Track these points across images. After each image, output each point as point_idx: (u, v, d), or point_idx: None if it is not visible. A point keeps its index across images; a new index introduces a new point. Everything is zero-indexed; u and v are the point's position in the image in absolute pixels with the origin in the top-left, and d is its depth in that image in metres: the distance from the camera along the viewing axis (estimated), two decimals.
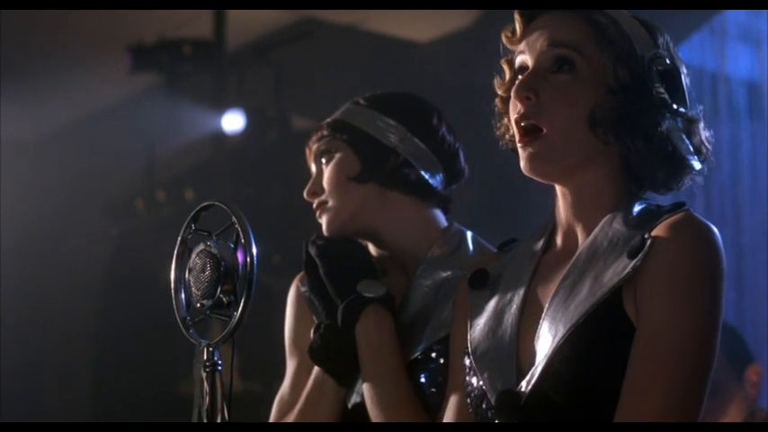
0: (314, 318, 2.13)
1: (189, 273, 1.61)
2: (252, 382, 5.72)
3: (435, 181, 2.15)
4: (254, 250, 1.56)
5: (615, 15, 1.73)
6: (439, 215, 2.17)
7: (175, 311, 1.63)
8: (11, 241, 6.92)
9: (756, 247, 5.24)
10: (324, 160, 2.16)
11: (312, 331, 2.10)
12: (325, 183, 2.14)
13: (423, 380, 2.04)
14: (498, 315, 1.73)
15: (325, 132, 2.16)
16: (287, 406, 2.17)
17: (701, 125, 1.75)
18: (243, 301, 1.55)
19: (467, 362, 1.74)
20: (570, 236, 1.73)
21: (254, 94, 5.91)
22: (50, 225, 7.12)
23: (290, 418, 2.14)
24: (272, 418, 2.19)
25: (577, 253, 1.69)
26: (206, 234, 1.61)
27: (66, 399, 7.10)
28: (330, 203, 2.14)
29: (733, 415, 3.31)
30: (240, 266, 1.56)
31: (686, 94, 1.73)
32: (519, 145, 1.71)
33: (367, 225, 2.14)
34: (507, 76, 1.79)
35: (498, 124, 1.81)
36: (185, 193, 5.98)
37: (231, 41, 5.90)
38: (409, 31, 5.97)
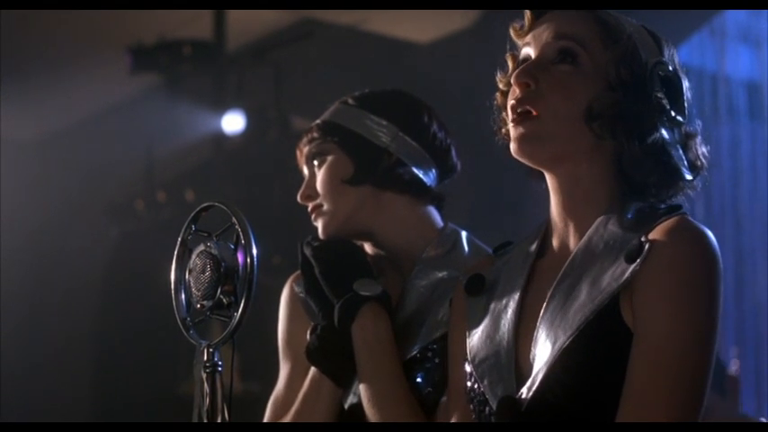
0: (309, 319, 2.13)
1: (189, 273, 1.61)
2: (252, 383, 5.72)
3: (428, 178, 2.14)
4: (255, 251, 1.55)
5: (623, 20, 1.73)
6: (433, 213, 2.16)
7: (175, 312, 1.63)
8: (11, 242, 6.93)
9: (756, 247, 5.25)
10: (316, 163, 2.15)
11: (309, 332, 2.09)
12: (319, 186, 2.13)
13: (419, 379, 2.04)
14: (495, 320, 1.73)
15: (315, 134, 2.15)
16: (281, 407, 2.16)
17: (698, 140, 1.74)
18: (243, 301, 1.55)
19: (467, 368, 1.74)
20: (564, 237, 1.73)
21: (254, 95, 5.92)
22: (51, 226, 7.13)
23: (287, 419, 2.12)
24: (266, 419, 2.18)
25: (572, 255, 1.68)
26: (206, 235, 1.61)
27: (66, 399, 7.11)
28: (325, 207, 2.13)
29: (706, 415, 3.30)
30: (240, 267, 1.56)
31: (686, 106, 1.73)
32: (511, 125, 1.70)
33: (363, 227, 2.13)
34: (510, 71, 1.79)
35: (496, 118, 1.81)
36: (185, 193, 5.99)
37: (231, 42, 5.90)
38: (409, 31, 5.98)
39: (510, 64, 1.79)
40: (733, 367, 3.51)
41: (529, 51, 1.73)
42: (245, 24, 5.89)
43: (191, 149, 6.19)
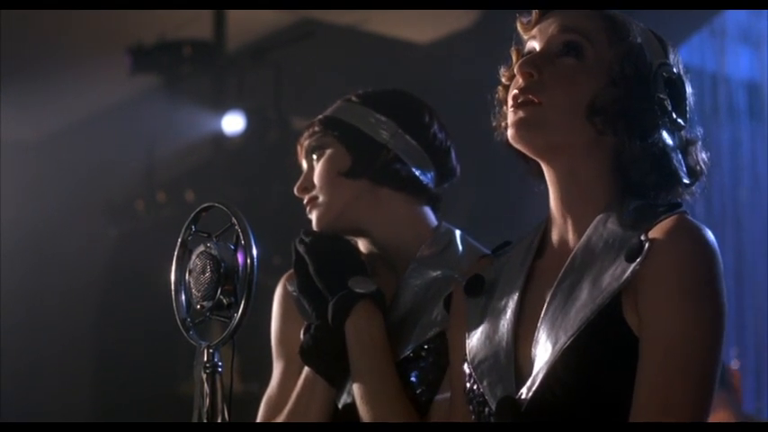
0: (302, 318, 2.13)
1: (189, 274, 1.61)
2: (252, 384, 5.72)
3: (426, 178, 2.14)
4: (255, 251, 1.55)
5: (631, 20, 1.73)
6: (429, 213, 2.16)
7: (175, 313, 1.63)
8: (11, 242, 6.93)
9: (756, 247, 5.25)
10: (315, 156, 2.15)
11: (302, 332, 2.09)
12: (316, 178, 2.14)
13: (413, 378, 2.04)
14: (494, 321, 1.72)
15: (316, 129, 2.16)
16: (275, 407, 2.16)
17: (699, 146, 1.74)
18: (243, 302, 1.55)
19: (466, 369, 1.74)
20: (563, 235, 1.72)
21: (253, 96, 5.92)
22: (50, 226, 7.12)
23: (280, 419, 2.12)
24: (259, 419, 2.18)
25: (572, 254, 1.68)
26: (206, 235, 1.61)
27: (66, 399, 7.11)
28: (320, 199, 2.13)
29: (723, 418, 3.32)
30: (240, 268, 1.56)
31: (688, 111, 1.73)
32: (510, 110, 1.69)
33: (357, 221, 2.13)
34: (514, 64, 1.78)
35: (497, 113, 1.80)
36: (185, 194, 5.99)
37: (231, 43, 5.90)
38: (409, 31, 5.98)
39: (514, 58, 1.79)
40: (734, 366, 3.53)
41: (534, 44, 1.73)
42: (245, 24, 5.89)
43: (191, 150, 6.19)
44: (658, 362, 1.56)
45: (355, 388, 2.03)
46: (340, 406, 2.08)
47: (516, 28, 1.79)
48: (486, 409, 1.67)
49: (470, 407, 1.72)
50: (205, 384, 1.56)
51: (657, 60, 1.71)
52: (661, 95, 1.69)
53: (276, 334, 2.22)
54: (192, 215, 1.64)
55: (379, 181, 2.12)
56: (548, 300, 1.66)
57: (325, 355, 2.05)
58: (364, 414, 2.01)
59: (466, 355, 1.74)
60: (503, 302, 1.73)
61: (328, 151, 2.14)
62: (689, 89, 1.74)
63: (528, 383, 1.62)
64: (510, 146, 1.73)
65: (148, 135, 6.40)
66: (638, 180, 1.70)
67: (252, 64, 5.89)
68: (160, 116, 6.12)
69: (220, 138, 5.92)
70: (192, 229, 1.64)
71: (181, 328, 1.62)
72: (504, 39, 1.80)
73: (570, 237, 1.71)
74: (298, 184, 2.17)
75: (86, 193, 6.81)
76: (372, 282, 2.06)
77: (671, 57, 1.74)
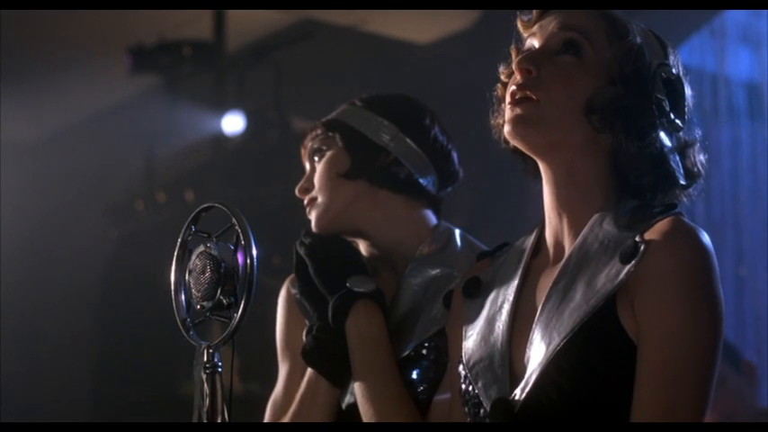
0: (305, 319, 2.14)
1: (189, 274, 1.61)
2: (252, 384, 5.72)
3: (427, 182, 2.15)
4: (255, 252, 1.55)
5: (631, 20, 1.73)
6: (429, 216, 2.17)
7: (175, 313, 1.63)
8: (11, 242, 6.93)
9: (756, 247, 5.25)
10: (316, 158, 2.17)
11: (304, 333, 2.10)
12: (316, 179, 2.16)
13: (414, 377, 2.05)
14: (490, 322, 1.72)
15: (318, 131, 2.17)
16: (280, 408, 2.17)
17: (697, 148, 1.74)
18: (243, 302, 1.55)
19: (461, 371, 1.74)
20: (559, 235, 1.72)
21: (253, 96, 5.92)
22: (50, 226, 7.12)
23: (285, 420, 2.14)
24: (265, 421, 2.19)
25: (567, 255, 1.68)
26: (206, 236, 1.61)
27: (66, 400, 7.10)
28: (319, 200, 2.15)
29: (730, 401, 3.34)
30: (240, 268, 1.56)
31: (686, 112, 1.73)
32: (507, 107, 1.69)
33: (356, 222, 2.14)
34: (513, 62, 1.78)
35: (496, 112, 1.80)
36: (185, 194, 5.99)
37: (231, 43, 5.90)
38: (409, 32, 5.98)
39: (513, 55, 1.79)
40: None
41: (533, 42, 1.73)
42: (245, 25, 5.89)
43: (191, 150, 6.19)
44: (658, 364, 1.56)
45: (357, 387, 2.03)
46: (344, 406, 2.09)
47: (516, 26, 1.79)
48: (481, 411, 1.67)
49: (465, 408, 1.72)
50: (205, 384, 1.56)
51: (657, 61, 1.71)
52: (659, 96, 1.69)
53: (281, 336, 2.23)
54: (192, 215, 1.64)
55: (377, 183, 2.13)
56: (543, 300, 1.66)
57: (326, 355, 2.06)
58: (366, 413, 2.01)
59: (462, 356, 1.74)
60: (498, 304, 1.73)
61: (329, 153, 2.15)
62: (688, 90, 1.74)
63: (521, 385, 1.62)
64: (507, 143, 1.73)
65: (148, 135, 6.40)
66: (634, 180, 1.69)
67: (252, 64, 5.89)
68: (160, 116, 6.12)
69: (220, 138, 5.92)
70: (191, 229, 1.64)
71: (181, 328, 1.62)
72: (505, 39, 1.81)
73: (566, 237, 1.71)
74: (299, 185, 2.18)
75: (86, 193, 6.81)
76: (372, 281, 2.07)
77: (671, 58, 1.74)
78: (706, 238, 1.62)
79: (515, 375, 1.65)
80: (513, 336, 1.68)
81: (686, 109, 1.73)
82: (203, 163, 6.18)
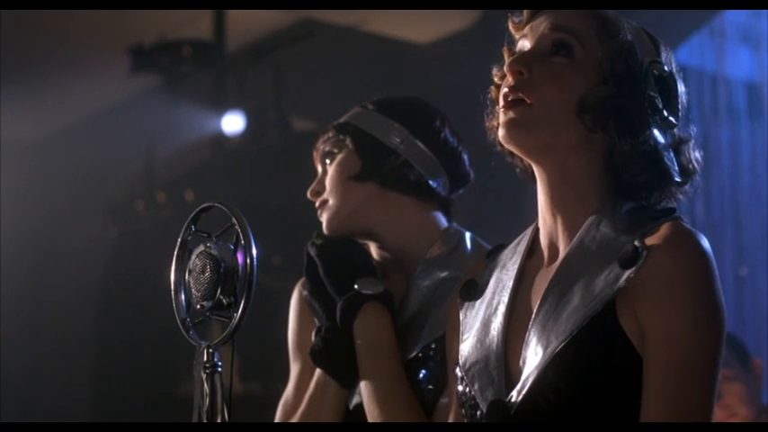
0: (316, 321, 2.15)
1: (189, 274, 1.61)
2: (252, 384, 5.72)
3: (437, 184, 2.16)
4: (254, 251, 1.55)
5: (622, 19, 1.73)
6: (440, 218, 2.18)
7: (175, 313, 1.63)
8: (11, 242, 6.93)
9: (756, 247, 5.25)
10: (328, 161, 2.19)
11: (313, 334, 2.11)
12: (327, 182, 2.17)
13: (421, 378, 2.06)
14: (485, 324, 1.72)
15: (330, 134, 2.19)
16: (291, 408, 2.19)
17: (691, 145, 1.73)
18: (243, 302, 1.55)
19: (458, 373, 1.74)
20: (553, 236, 1.71)
21: (253, 96, 5.92)
22: (50, 226, 7.12)
23: (294, 420, 2.16)
24: (276, 420, 2.22)
25: (564, 257, 1.67)
26: (206, 235, 1.61)
27: (66, 399, 7.11)
28: (330, 202, 2.16)
29: (738, 396, 3.35)
30: (240, 268, 1.56)
31: (680, 109, 1.72)
32: (501, 111, 1.69)
33: (366, 224, 2.15)
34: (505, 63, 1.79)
35: (490, 114, 1.80)
36: (185, 194, 5.99)
37: (231, 42, 5.90)
38: (409, 32, 5.98)
39: (506, 57, 1.79)
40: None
41: (525, 43, 1.73)
42: (245, 24, 5.89)
43: (190, 150, 6.19)
44: (665, 368, 1.57)
45: (363, 388, 2.05)
46: (351, 406, 2.11)
47: (508, 28, 1.79)
48: (478, 413, 1.68)
49: (463, 410, 1.72)
50: (205, 384, 1.56)
51: (648, 58, 1.70)
52: (652, 93, 1.68)
53: (292, 336, 2.25)
54: (192, 215, 1.64)
55: (387, 185, 2.14)
56: (538, 302, 1.65)
57: (335, 356, 2.08)
58: (371, 414, 2.03)
59: (458, 358, 1.74)
60: (494, 306, 1.73)
61: (339, 156, 2.17)
62: (681, 87, 1.74)
63: (518, 387, 1.62)
64: (502, 146, 1.73)
65: (148, 135, 6.40)
66: (629, 179, 1.69)
67: (252, 64, 5.89)
68: (160, 116, 6.12)
69: (220, 138, 5.92)
70: (191, 228, 1.64)
71: (181, 327, 1.62)
72: (504, 39, 1.81)
73: (561, 238, 1.71)
74: (311, 187, 2.20)
75: (86, 192, 6.81)
76: (380, 283, 2.09)
77: (663, 55, 1.74)
78: (705, 242, 1.62)
79: (511, 377, 1.65)
80: (508, 338, 1.68)
81: (680, 106, 1.72)
82: (203, 162, 6.19)
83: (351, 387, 2.10)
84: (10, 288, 6.90)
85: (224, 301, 1.57)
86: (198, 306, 1.60)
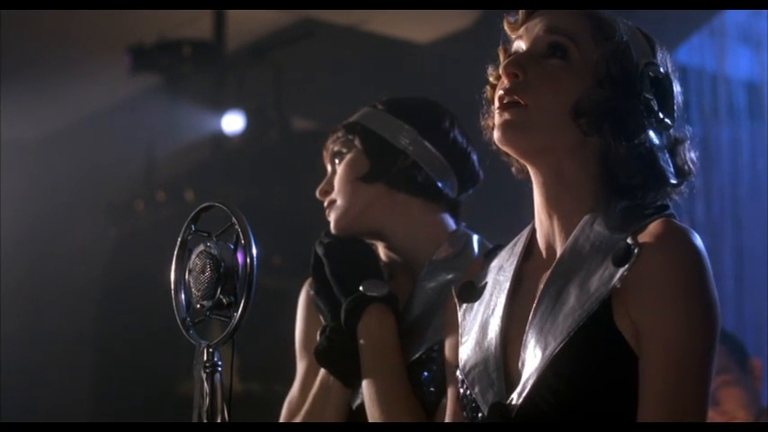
0: (322, 320, 2.15)
1: (189, 274, 1.61)
2: (252, 383, 5.72)
3: (445, 185, 2.16)
4: (254, 251, 1.56)
5: (617, 19, 1.73)
6: (447, 219, 2.18)
7: (175, 312, 1.63)
8: (11, 241, 6.93)
9: (756, 246, 5.24)
10: (337, 161, 2.19)
11: (318, 333, 2.12)
12: (336, 181, 2.18)
13: (424, 379, 2.06)
14: (483, 326, 1.72)
15: (339, 134, 2.20)
16: (295, 407, 2.21)
17: (687, 146, 1.73)
18: (243, 301, 1.55)
19: (459, 375, 1.74)
20: (550, 237, 1.72)
21: (253, 95, 5.91)
22: (50, 225, 7.12)
23: (297, 419, 2.17)
24: (281, 419, 2.23)
25: (559, 256, 1.67)
26: (206, 235, 1.61)
27: (65, 399, 7.10)
28: (338, 202, 2.17)
29: (737, 401, 3.35)
30: (240, 267, 1.56)
31: (675, 110, 1.72)
32: (496, 112, 1.69)
33: (374, 225, 2.16)
34: (501, 63, 1.78)
35: (486, 113, 1.80)
36: (185, 193, 5.98)
37: (231, 42, 5.89)
38: (409, 31, 5.97)
39: (501, 57, 1.79)
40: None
41: (520, 44, 1.73)
42: (244, 24, 5.88)
43: (190, 149, 6.19)
44: (659, 367, 1.57)
45: (365, 389, 2.06)
46: (354, 407, 2.12)
47: (503, 28, 1.79)
48: (480, 415, 1.68)
49: (464, 412, 1.72)
50: (205, 384, 1.56)
51: (644, 60, 1.70)
52: (647, 95, 1.68)
53: (299, 336, 2.26)
54: (192, 215, 1.64)
55: (395, 186, 2.15)
56: (535, 304, 1.66)
57: (338, 356, 2.09)
58: (372, 415, 2.04)
59: (458, 361, 1.74)
60: (492, 307, 1.73)
61: (348, 156, 2.17)
62: (677, 88, 1.73)
63: (518, 389, 1.63)
64: (498, 146, 1.74)
65: (148, 134, 6.40)
66: (625, 181, 1.69)
67: (252, 64, 5.89)
68: (160, 116, 6.12)
69: (220, 137, 5.92)
70: (191, 228, 1.64)
71: (181, 327, 1.62)
72: (504, 39, 1.81)
73: (557, 238, 1.71)
74: (320, 187, 2.20)
75: (86, 192, 6.81)
76: (386, 285, 2.09)
77: (658, 55, 1.73)
78: (698, 239, 1.62)
79: (511, 379, 1.65)
80: (507, 340, 1.68)
81: (675, 107, 1.72)
82: (203, 162, 6.18)
83: (354, 387, 2.11)
84: (10, 287, 6.89)
85: (224, 300, 1.57)
86: (198, 305, 1.60)
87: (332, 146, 2.20)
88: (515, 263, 1.74)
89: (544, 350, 1.60)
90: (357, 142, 2.16)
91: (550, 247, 1.71)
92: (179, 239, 1.64)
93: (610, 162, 1.68)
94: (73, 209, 6.98)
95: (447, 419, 1.82)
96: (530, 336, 1.63)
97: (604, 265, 1.61)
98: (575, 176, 1.69)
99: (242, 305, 1.55)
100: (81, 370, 7.20)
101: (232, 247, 1.57)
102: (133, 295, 6.33)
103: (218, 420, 1.55)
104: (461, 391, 1.73)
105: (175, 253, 1.63)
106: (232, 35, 5.86)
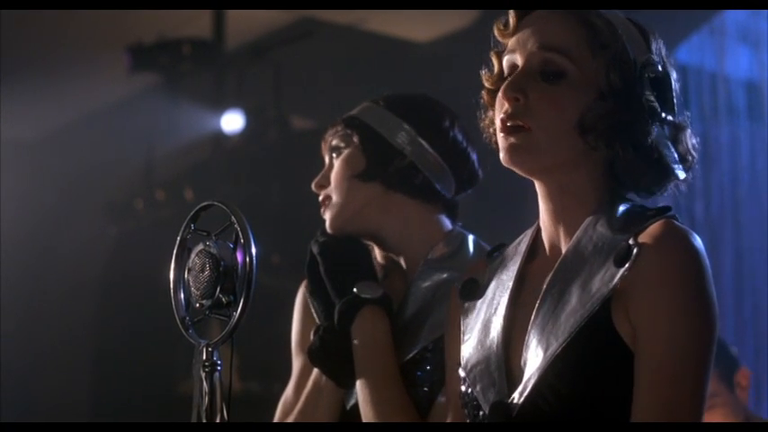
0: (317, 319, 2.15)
1: (188, 273, 1.61)
2: (251, 382, 5.72)
3: (443, 186, 2.14)
4: (254, 250, 1.55)
5: (610, 17, 1.71)
6: (444, 220, 2.17)
7: (175, 311, 1.63)
8: (10, 241, 6.93)
9: (756, 247, 5.24)
10: (334, 155, 2.17)
11: (312, 333, 2.11)
12: (332, 177, 2.16)
13: (418, 379, 2.06)
14: (486, 325, 1.72)
15: (339, 128, 2.18)
16: (290, 406, 2.20)
17: (688, 132, 1.73)
18: (242, 300, 1.55)
19: (461, 373, 1.74)
20: (555, 239, 1.72)
21: (253, 94, 5.91)
22: (50, 225, 7.12)
23: (290, 419, 2.17)
24: (276, 419, 2.22)
25: (561, 257, 1.68)
26: (205, 234, 1.61)
27: (65, 399, 7.10)
28: (334, 200, 2.15)
29: (725, 420, 3.34)
30: (239, 266, 1.56)
31: (675, 100, 1.72)
32: (500, 135, 1.69)
33: (369, 225, 2.14)
34: (495, 70, 1.77)
35: (483, 116, 1.80)
36: (185, 192, 5.98)
37: (230, 41, 5.89)
38: (408, 31, 5.97)
39: (495, 62, 1.78)
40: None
41: (514, 58, 1.72)
42: (244, 24, 5.88)
43: (190, 148, 6.19)
44: (655, 367, 1.57)
45: (358, 390, 2.05)
46: (348, 407, 2.11)
47: (494, 32, 1.78)
48: (481, 413, 1.68)
49: (465, 411, 1.72)
50: (204, 383, 1.56)
51: (641, 58, 1.69)
52: (649, 98, 1.68)
53: (295, 335, 2.26)
54: (192, 214, 1.64)
55: (391, 186, 2.13)
56: (537, 304, 1.66)
57: (331, 356, 2.08)
58: (366, 416, 2.03)
59: (460, 359, 1.74)
60: (494, 306, 1.73)
61: (346, 152, 2.15)
62: (673, 75, 1.73)
63: (519, 389, 1.63)
64: (497, 146, 1.73)
65: (148, 133, 6.40)
66: (633, 182, 1.70)
67: (251, 63, 5.89)
68: (159, 115, 6.12)
69: (220, 136, 5.92)
70: (191, 227, 1.64)
71: (180, 326, 1.62)
72: (495, 42, 1.80)
73: (562, 240, 1.71)
74: (316, 179, 2.18)
75: (86, 191, 6.81)
76: (380, 287, 2.08)
77: (653, 46, 1.72)
78: (698, 240, 1.62)
79: (512, 378, 1.65)
80: (509, 339, 1.68)
81: (675, 99, 1.72)
82: (203, 161, 6.18)
83: (347, 387, 2.10)
84: (10, 287, 6.89)
85: (223, 299, 1.57)
86: (197, 305, 1.60)
87: (330, 139, 2.18)
88: (519, 262, 1.74)
89: (546, 350, 1.61)
90: (355, 138, 2.15)
91: (555, 248, 1.71)
92: (178, 238, 1.64)
93: (617, 169, 1.69)
94: (72, 207, 6.98)
95: (449, 417, 1.82)
96: (532, 335, 1.64)
97: (606, 266, 1.61)
98: (580, 187, 1.70)
99: (241, 304, 1.55)
100: (80, 369, 7.20)
101: (231, 246, 1.57)
102: (132, 294, 6.34)
103: (218, 419, 1.55)
104: (463, 389, 1.73)
105: (175, 252, 1.63)
106: (232, 34, 5.86)
